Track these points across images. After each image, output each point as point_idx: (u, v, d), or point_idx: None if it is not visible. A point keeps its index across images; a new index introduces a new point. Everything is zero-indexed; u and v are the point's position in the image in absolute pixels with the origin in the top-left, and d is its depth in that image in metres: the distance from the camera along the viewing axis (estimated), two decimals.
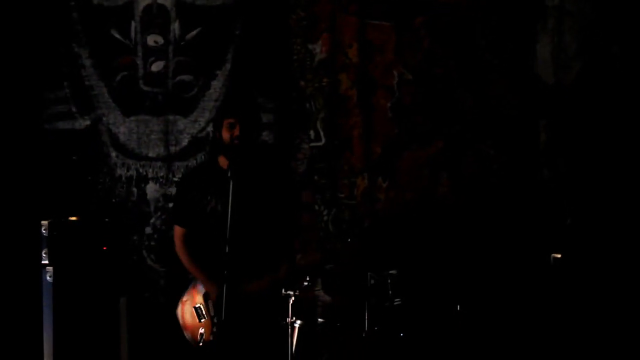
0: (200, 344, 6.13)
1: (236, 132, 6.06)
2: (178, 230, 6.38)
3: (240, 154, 6.05)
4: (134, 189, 7.84)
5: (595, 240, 7.23)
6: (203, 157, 7.78)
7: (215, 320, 6.14)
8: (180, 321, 6.30)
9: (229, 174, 5.83)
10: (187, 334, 6.28)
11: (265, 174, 6.39)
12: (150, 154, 7.84)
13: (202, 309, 6.22)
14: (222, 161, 6.25)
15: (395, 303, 6.91)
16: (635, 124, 7.61)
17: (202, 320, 6.19)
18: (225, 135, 6.06)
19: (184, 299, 6.34)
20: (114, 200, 7.85)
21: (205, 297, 6.24)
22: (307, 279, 6.57)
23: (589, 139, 7.74)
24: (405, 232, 7.73)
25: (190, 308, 6.26)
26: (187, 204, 6.36)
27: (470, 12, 7.77)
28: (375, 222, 7.82)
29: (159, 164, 7.85)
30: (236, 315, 5.92)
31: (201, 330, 6.17)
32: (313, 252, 6.66)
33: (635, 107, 7.62)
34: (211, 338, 6.12)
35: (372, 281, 7.11)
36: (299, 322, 6.42)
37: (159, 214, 7.79)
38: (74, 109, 7.82)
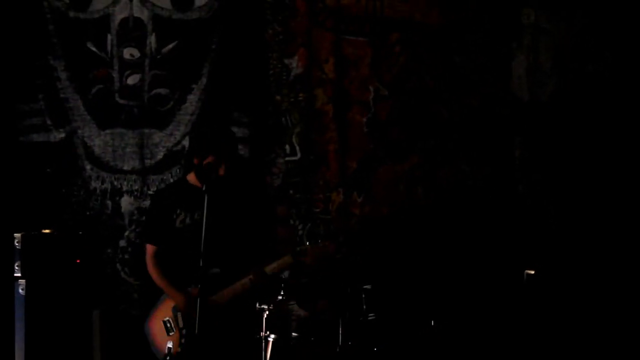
0: (168, 357, 6.15)
1: (221, 171, 6.20)
2: (150, 249, 6.46)
3: (219, 184, 6.14)
4: (109, 202, 7.82)
5: (571, 255, 7.32)
6: (178, 170, 7.78)
7: (184, 333, 6.18)
8: (149, 336, 6.33)
9: (203, 188, 5.86)
10: (155, 349, 6.31)
11: (237, 188, 6.45)
12: (125, 167, 7.81)
13: (171, 322, 6.27)
14: (192, 178, 6.35)
15: (370, 318, 6.84)
16: (608, 140, 7.64)
17: (171, 334, 6.24)
18: (207, 167, 6.18)
19: (153, 313, 6.36)
20: (88, 213, 7.82)
21: (174, 311, 6.26)
22: (282, 293, 6.53)
23: (564, 155, 7.77)
24: (380, 247, 7.74)
25: (160, 322, 6.28)
26: (158, 221, 6.41)
27: (445, 29, 7.86)
28: (350, 236, 7.82)
29: (133, 177, 7.83)
30: (209, 328, 5.93)
31: (169, 344, 6.19)
32: (284, 255, 6.59)
33: (608, 124, 7.66)
34: (179, 350, 6.16)
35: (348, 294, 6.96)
36: (273, 336, 6.43)
37: (133, 227, 7.77)
38: (48, 122, 7.79)
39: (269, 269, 6.35)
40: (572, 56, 7.85)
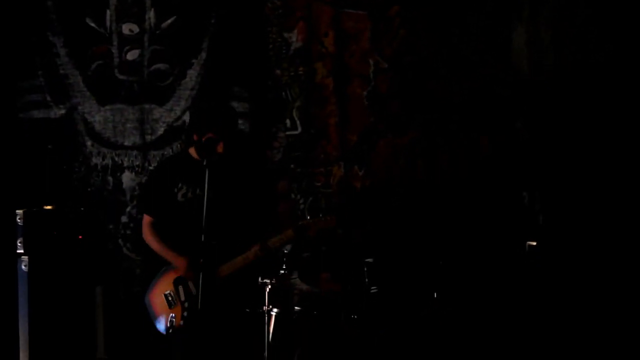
0: (171, 330, 6.18)
1: (219, 148, 6.17)
2: (147, 219, 6.46)
3: (219, 160, 6.15)
4: (110, 178, 7.84)
5: (570, 227, 7.29)
6: (179, 145, 7.81)
7: (186, 306, 6.18)
8: (150, 308, 6.34)
9: (204, 163, 5.87)
10: (156, 321, 6.31)
11: (238, 162, 6.45)
12: (126, 143, 7.84)
13: (173, 295, 6.28)
14: (194, 152, 6.33)
15: (372, 291, 6.91)
16: (611, 112, 7.62)
17: (173, 307, 6.25)
18: (206, 143, 6.17)
19: (154, 286, 6.37)
20: (89, 189, 7.85)
21: (175, 283, 6.27)
22: (284, 267, 6.60)
23: (564, 127, 7.74)
24: (381, 220, 7.77)
25: (161, 295, 6.29)
26: (156, 193, 6.45)
27: (444, 1, 7.86)
28: (351, 204, 7.86)
29: (134, 152, 7.85)
30: (212, 302, 5.95)
31: (171, 317, 6.20)
32: (286, 229, 6.59)
33: (610, 95, 7.63)
34: (182, 323, 6.18)
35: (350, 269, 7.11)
36: (275, 310, 6.48)
37: (134, 202, 7.81)
38: (48, 98, 7.81)
39: (271, 243, 6.34)
40: (572, 27, 7.83)
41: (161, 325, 6.30)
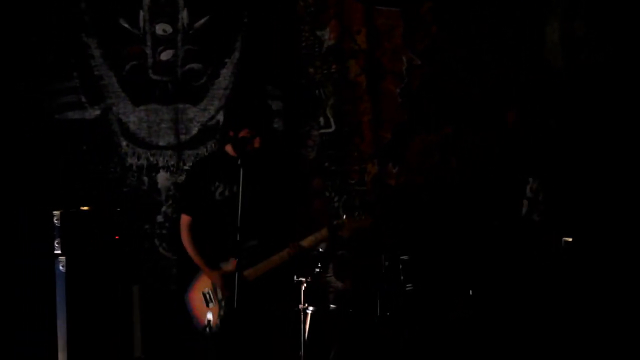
0: (208, 329, 6.20)
1: (256, 143, 6.19)
2: (185, 219, 6.46)
3: (255, 156, 6.16)
4: (145, 178, 7.87)
5: (606, 223, 7.23)
6: (213, 145, 7.82)
7: (223, 305, 6.21)
8: (189, 306, 6.36)
9: (239, 162, 5.89)
10: (194, 319, 6.34)
11: (273, 161, 6.47)
12: (161, 143, 7.87)
13: (210, 294, 6.30)
14: (230, 149, 6.33)
15: (407, 288, 6.92)
16: None
17: (210, 305, 6.28)
18: (242, 139, 6.19)
19: (193, 285, 6.39)
20: (125, 190, 7.87)
21: (214, 283, 6.29)
22: (319, 265, 6.66)
23: (598, 121, 7.70)
24: (416, 218, 7.75)
25: (199, 294, 6.31)
26: (195, 192, 6.45)
27: None
28: (386, 201, 7.83)
29: (169, 152, 7.87)
30: (248, 301, 5.97)
31: (209, 316, 6.20)
32: (321, 229, 6.59)
33: None
34: (218, 323, 6.23)
35: (386, 265, 7.13)
36: (311, 308, 6.57)
37: (170, 202, 7.83)
38: (83, 99, 7.81)
39: (306, 242, 6.36)
40: (606, 21, 7.78)
41: (199, 324, 6.33)
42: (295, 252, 6.33)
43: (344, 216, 6.69)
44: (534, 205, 7.31)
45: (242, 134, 6.22)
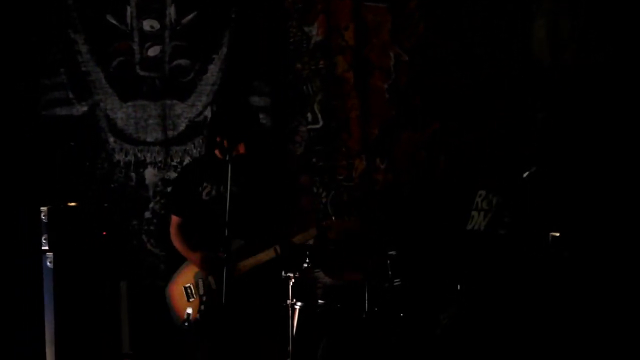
0: (186, 323, 6.31)
1: (241, 149, 6.29)
2: (174, 220, 6.56)
3: (241, 158, 6.29)
4: (133, 174, 7.87)
5: (593, 218, 7.19)
6: (201, 140, 7.82)
7: (204, 299, 6.28)
8: (169, 300, 6.46)
9: (227, 158, 5.96)
10: (173, 313, 6.43)
11: (260, 158, 6.52)
12: (148, 139, 7.86)
13: (192, 288, 6.40)
14: (219, 152, 6.39)
15: (395, 283, 6.91)
16: (632, 102, 7.53)
17: (191, 300, 6.37)
18: (228, 144, 6.21)
19: (174, 279, 6.47)
20: (112, 186, 7.87)
21: (196, 277, 6.36)
22: (307, 261, 6.62)
23: (586, 118, 7.67)
24: (403, 213, 7.74)
25: (180, 288, 6.39)
26: (183, 194, 6.55)
27: None
28: (373, 201, 7.80)
29: (157, 148, 7.87)
30: (234, 296, 6.00)
31: (188, 310, 6.31)
32: (309, 228, 6.67)
33: (632, 85, 7.54)
34: (198, 317, 6.32)
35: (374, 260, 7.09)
36: (299, 303, 6.53)
37: (157, 198, 7.83)
38: (71, 95, 7.82)
39: (294, 240, 6.46)
40: (592, 17, 7.73)
41: (178, 318, 6.43)
42: (284, 251, 6.41)
43: (333, 217, 6.80)
44: (495, 218, 7.17)
45: (227, 140, 6.27)
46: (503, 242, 6.92)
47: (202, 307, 6.36)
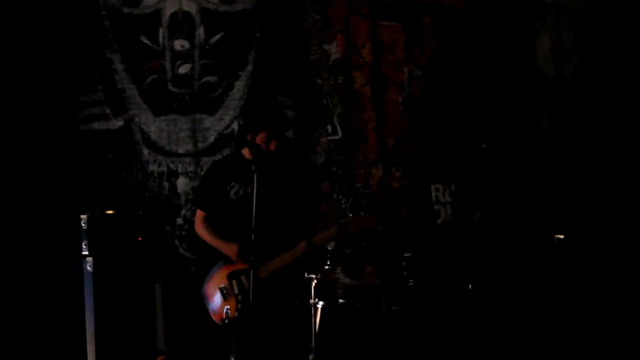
0: (226, 321, 6.29)
1: (272, 146, 6.37)
2: (199, 214, 6.63)
3: (269, 158, 6.37)
4: (166, 184, 7.96)
5: (595, 221, 7.34)
6: (229, 152, 7.82)
7: (239, 298, 6.37)
8: (206, 301, 6.52)
9: (253, 167, 6.04)
10: (212, 313, 6.49)
11: (285, 165, 6.62)
12: (180, 151, 7.95)
13: (227, 288, 6.44)
14: (246, 153, 6.50)
15: (410, 284, 6.95)
16: (632, 109, 7.68)
17: (228, 299, 6.42)
18: (260, 142, 6.35)
19: (209, 281, 6.55)
20: (147, 194, 7.95)
21: (230, 278, 6.45)
22: (328, 263, 6.67)
23: (589, 126, 7.79)
24: (419, 217, 7.86)
25: (216, 289, 6.48)
26: (210, 190, 6.59)
27: (473, 12, 7.92)
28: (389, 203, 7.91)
29: (187, 159, 7.94)
30: (263, 295, 6.16)
31: (226, 309, 6.30)
32: (330, 227, 6.68)
33: (632, 93, 7.70)
34: (236, 315, 6.32)
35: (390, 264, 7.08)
36: (321, 303, 6.57)
37: (189, 205, 7.89)
38: (107, 111, 7.91)
39: (316, 239, 6.51)
40: (592, 31, 7.85)
41: (216, 317, 6.45)
42: (307, 249, 6.46)
43: (351, 215, 6.95)
44: (462, 206, 7.23)
45: (258, 138, 6.35)
46: (480, 226, 7.08)
47: (239, 305, 6.36)
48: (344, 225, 6.60)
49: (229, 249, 6.46)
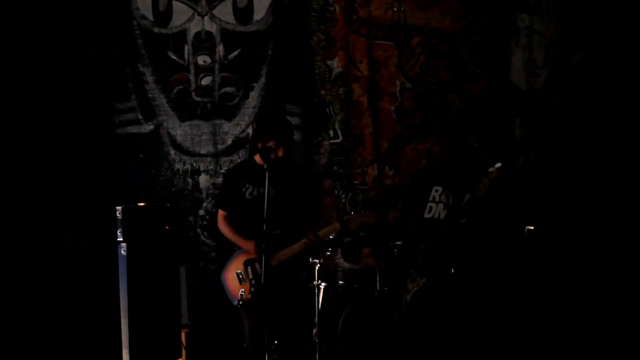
0: (241, 302, 6.58)
1: (280, 152, 6.56)
2: (221, 213, 6.88)
3: (279, 163, 6.57)
4: (189, 180, 8.25)
5: (562, 215, 7.66)
6: (245, 153, 8.11)
7: (253, 283, 6.62)
8: (225, 284, 6.77)
9: (265, 167, 6.34)
10: (229, 294, 6.75)
11: (292, 168, 6.87)
12: (202, 152, 8.25)
13: (243, 274, 6.71)
14: (258, 158, 6.73)
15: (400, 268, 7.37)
16: (593, 118, 8.09)
17: (243, 283, 6.69)
18: (268, 149, 6.53)
19: (227, 267, 6.81)
20: (173, 189, 8.23)
21: (245, 265, 6.70)
22: (329, 249, 7.16)
23: (557, 133, 8.19)
24: (409, 209, 8.13)
25: (233, 273, 6.74)
26: (229, 193, 6.83)
27: (456, 33, 8.30)
28: (383, 200, 8.16)
29: (208, 159, 8.25)
30: (273, 281, 6.42)
31: (241, 292, 6.58)
32: (333, 223, 6.80)
33: (593, 104, 8.10)
34: (249, 297, 6.63)
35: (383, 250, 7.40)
36: (323, 284, 7.02)
37: (209, 199, 8.19)
38: (140, 117, 8.23)
39: (321, 232, 6.72)
40: (560, 51, 8.25)
41: (233, 298, 6.69)
42: (312, 241, 6.65)
43: (352, 212, 7.16)
44: (454, 209, 7.40)
45: (268, 144, 6.52)
46: (464, 229, 7.22)
47: (252, 289, 6.57)
48: (346, 221, 6.76)
49: (247, 245, 6.66)
